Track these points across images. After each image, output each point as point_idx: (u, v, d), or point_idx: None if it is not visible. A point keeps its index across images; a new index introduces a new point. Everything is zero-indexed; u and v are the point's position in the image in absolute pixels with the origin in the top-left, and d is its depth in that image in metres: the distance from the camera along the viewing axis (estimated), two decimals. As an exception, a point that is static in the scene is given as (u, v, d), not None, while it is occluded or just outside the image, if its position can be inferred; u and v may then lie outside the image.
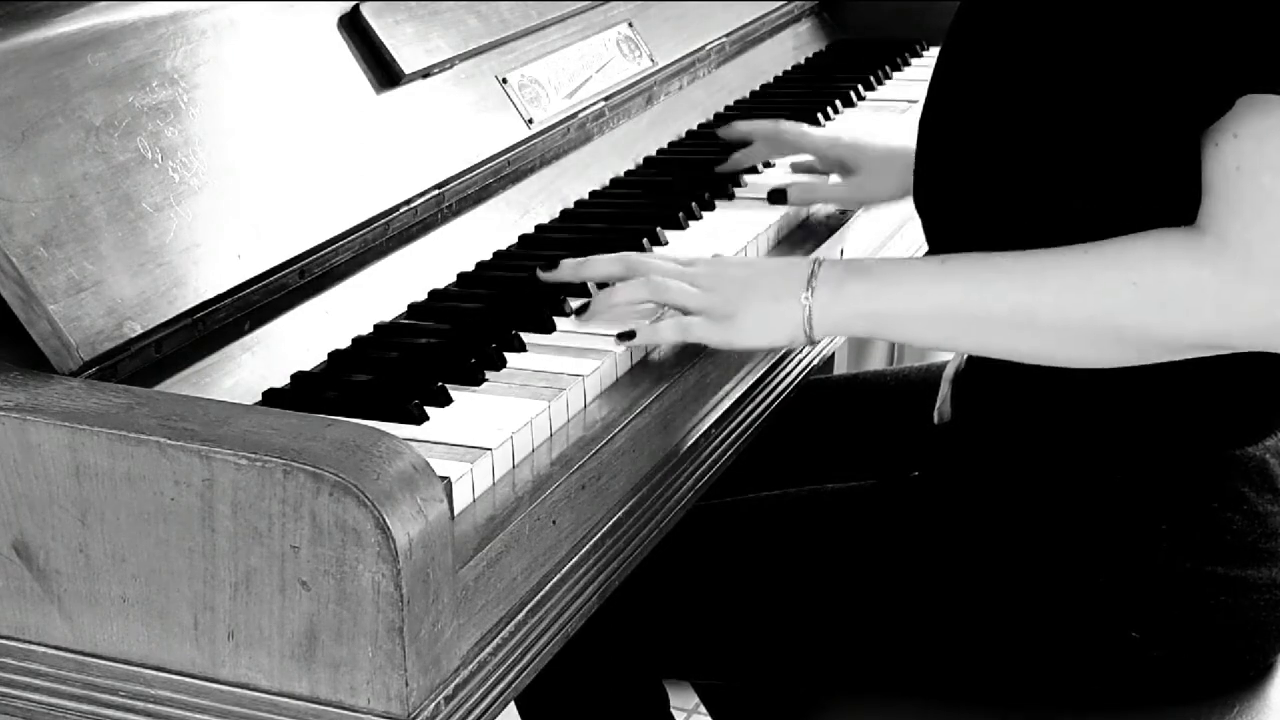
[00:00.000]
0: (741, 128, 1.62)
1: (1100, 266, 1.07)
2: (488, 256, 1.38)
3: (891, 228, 1.59)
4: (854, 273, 1.16)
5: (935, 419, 1.32)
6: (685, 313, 1.20)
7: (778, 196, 1.50)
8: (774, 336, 1.18)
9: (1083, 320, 1.07)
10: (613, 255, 1.26)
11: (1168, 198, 1.07)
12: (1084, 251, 1.08)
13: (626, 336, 1.19)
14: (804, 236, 1.48)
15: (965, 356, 1.28)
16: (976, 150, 1.17)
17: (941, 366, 1.35)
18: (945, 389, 1.30)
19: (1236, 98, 1.01)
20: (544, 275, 1.28)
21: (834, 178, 1.54)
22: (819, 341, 1.19)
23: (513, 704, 1.44)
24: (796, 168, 1.61)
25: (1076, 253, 1.08)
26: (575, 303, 1.25)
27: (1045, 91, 1.11)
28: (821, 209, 1.54)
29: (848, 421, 1.51)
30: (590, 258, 1.27)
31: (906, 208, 1.28)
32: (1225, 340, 1.06)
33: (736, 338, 1.18)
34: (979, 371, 1.25)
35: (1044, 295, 1.08)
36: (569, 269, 1.27)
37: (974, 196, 1.17)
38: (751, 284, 1.19)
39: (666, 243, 1.41)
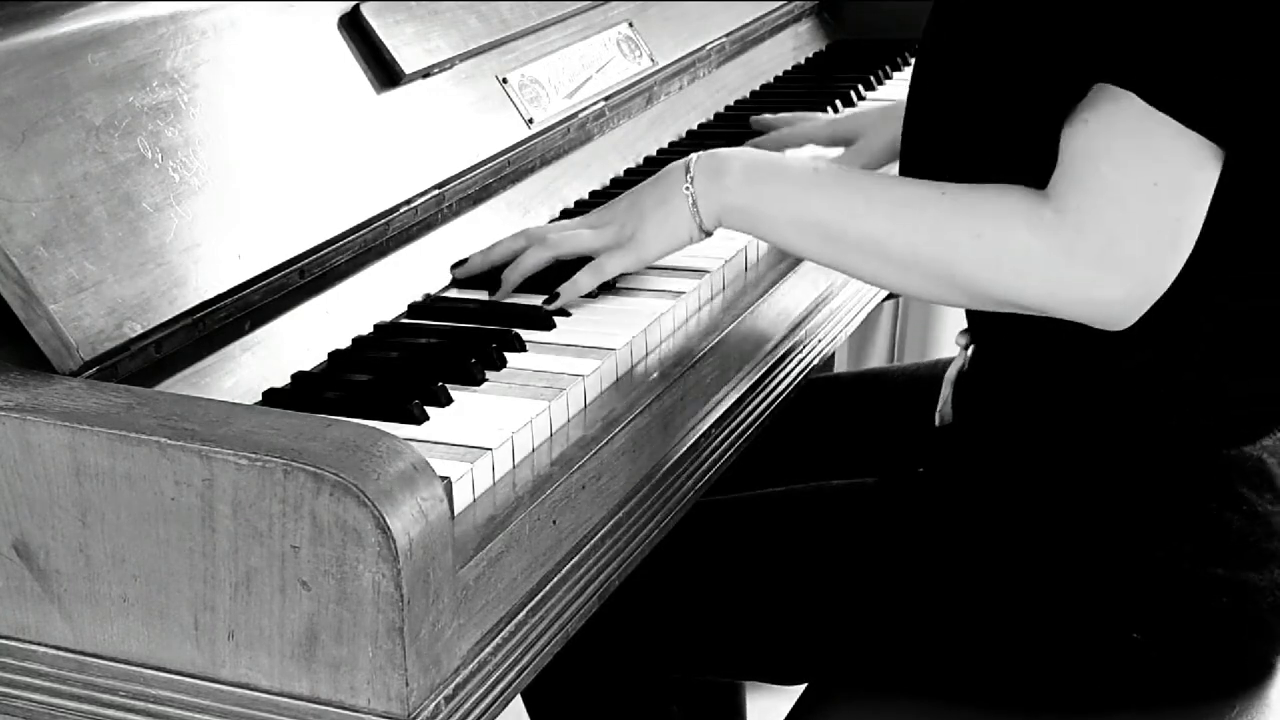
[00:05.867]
0: (768, 118, 1.69)
1: (951, 213, 1.10)
2: (488, 256, 1.38)
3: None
4: (733, 162, 1.21)
5: (936, 420, 1.32)
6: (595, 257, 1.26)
7: None
8: (674, 236, 1.23)
9: (926, 260, 1.11)
10: (514, 233, 1.32)
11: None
12: (941, 193, 1.11)
13: (552, 300, 1.24)
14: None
15: (968, 358, 1.28)
16: (942, 144, 1.18)
17: (949, 364, 1.36)
18: (946, 390, 1.31)
19: (1091, 84, 1.04)
20: (457, 273, 1.32)
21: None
22: (711, 232, 1.23)
23: (519, 702, 1.44)
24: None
25: (935, 192, 1.12)
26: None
27: (983, 78, 1.13)
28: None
29: (852, 419, 1.51)
30: (495, 242, 1.32)
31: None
32: (1047, 308, 1.09)
33: (644, 252, 1.25)
34: (980, 373, 1.25)
35: (895, 229, 1.12)
36: (478, 259, 1.32)
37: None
38: (639, 200, 1.25)
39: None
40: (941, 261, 1.10)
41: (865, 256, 1.14)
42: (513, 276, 1.28)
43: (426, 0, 1.41)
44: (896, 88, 1.97)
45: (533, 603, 0.99)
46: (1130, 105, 1.02)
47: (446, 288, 1.32)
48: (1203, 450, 1.15)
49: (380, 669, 0.87)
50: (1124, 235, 1.04)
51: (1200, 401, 1.15)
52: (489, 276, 1.33)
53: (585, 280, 1.25)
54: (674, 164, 1.24)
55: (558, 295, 1.24)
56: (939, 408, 1.32)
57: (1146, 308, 1.07)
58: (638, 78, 1.67)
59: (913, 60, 2.06)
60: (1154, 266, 1.05)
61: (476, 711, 0.94)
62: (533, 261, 1.27)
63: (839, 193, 1.15)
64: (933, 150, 1.20)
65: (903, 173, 1.25)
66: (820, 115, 1.68)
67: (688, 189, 1.21)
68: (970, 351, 1.29)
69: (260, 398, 1.10)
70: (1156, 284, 1.06)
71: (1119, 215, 1.04)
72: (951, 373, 1.31)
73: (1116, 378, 1.14)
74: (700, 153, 1.23)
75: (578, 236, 1.26)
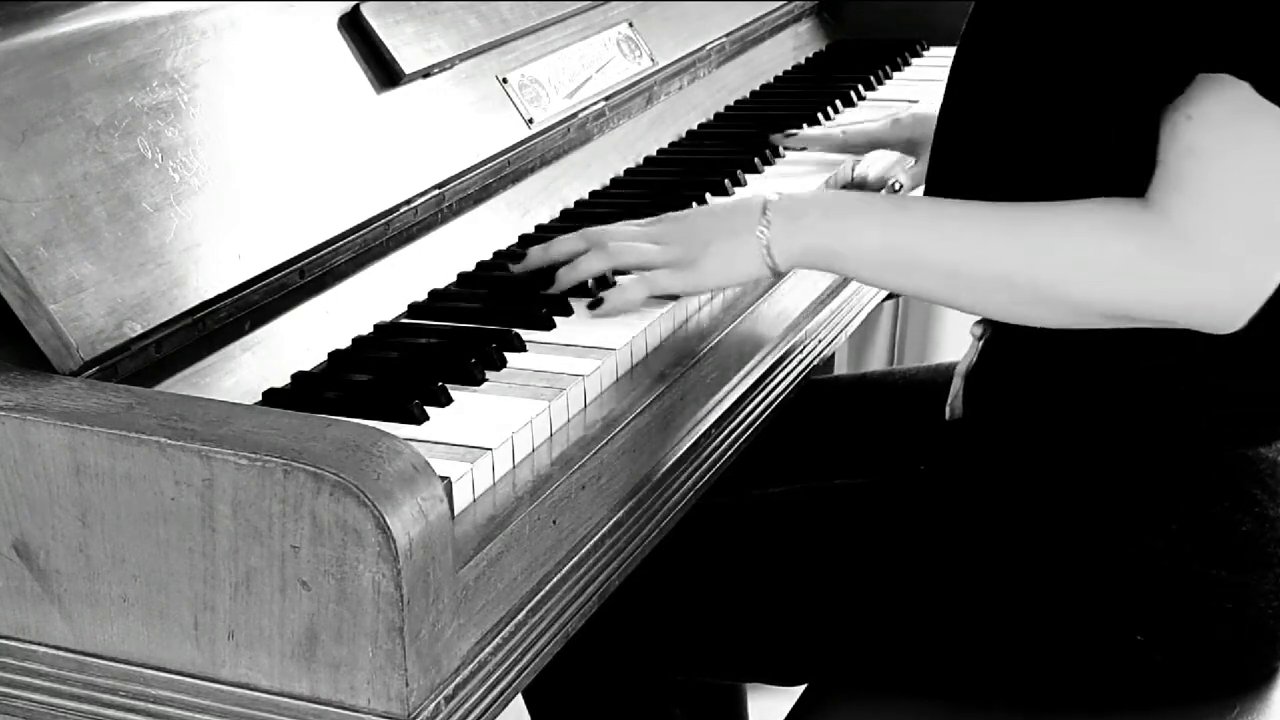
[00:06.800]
0: (806, 134, 1.65)
1: (1043, 234, 1.08)
2: (488, 256, 1.38)
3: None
4: (812, 204, 1.18)
5: (947, 414, 1.32)
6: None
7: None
8: (739, 273, 1.21)
9: (1022, 283, 1.09)
10: (575, 232, 1.28)
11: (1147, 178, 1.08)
12: (1032, 211, 1.09)
13: (596, 304, 1.21)
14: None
15: (978, 353, 1.28)
16: (988, 144, 1.17)
17: (950, 366, 1.35)
18: (958, 384, 1.30)
19: (1193, 75, 1.01)
20: (516, 268, 1.30)
21: (908, 162, 1.57)
22: (784, 273, 1.21)
23: (519, 702, 1.44)
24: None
25: (1025, 213, 1.09)
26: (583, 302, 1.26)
27: (1046, 78, 1.11)
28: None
29: (854, 420, 1.51)
30: (555, 239, 1.28)
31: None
32: (1158, 318, 1.07)
33: (703, 280, 1.21)
34: (992, 368, 1.25)
35: (987, 253, 1.09)
36: (537, 254, 1.28)
37: (987, 188, 1.17)
38: (709, 226, 1.21)
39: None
40: (1041, 285, 1.08)
41: (957, 285, 1.11)
42: (569, 278, 1.25)
43: (426, 0, 1.41)
44: (896, 88, 1.97)
45: (533, 603, 0.99)
46: (1240, 96, 0.99)
47: (447, 288, 1.32)
48: (1216, 450, 1.14)
49: (380, 669, 0.87)
50: (1233, 233, 1.02)
51: (1216, 400, 1.14)
52: (488, 279, 1.33)
53: (635, 292, 1.21)
54: (750, 199, 1.20)
55: (601, 300, 1.21)
56: (949, 401, 1.32)
57: (1257, 307, 1.05)
58: (638, 78, 1.67)
59: (913, 60, 2.08)
60: (1264, 262, 1.03)
61: (476, 711, 0.94)
62: (591, 269, 1.24)
63: (925, 223, 1.12)
64: (972, 163, 1.18)
65: (930, 188, 1.23)
66: (863, 124, 1.64)
67: (762, 231, 1.18)
68: (981, 345, 1.28)
69: (260, 398, 1.10)
70: (1267, 280, 1.04)
71: (1227, 212, 1.02)
72: (963, 366, 1.30)
73: (1132, 374, 1.14)
74: (777, 194, 1.20)
75: (638, 250, 1.23)
